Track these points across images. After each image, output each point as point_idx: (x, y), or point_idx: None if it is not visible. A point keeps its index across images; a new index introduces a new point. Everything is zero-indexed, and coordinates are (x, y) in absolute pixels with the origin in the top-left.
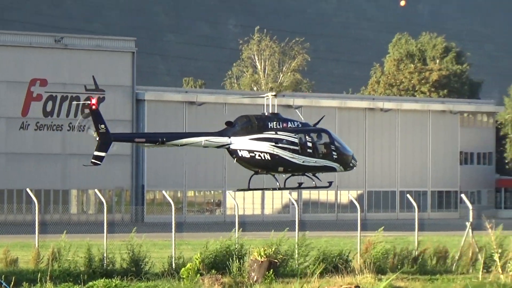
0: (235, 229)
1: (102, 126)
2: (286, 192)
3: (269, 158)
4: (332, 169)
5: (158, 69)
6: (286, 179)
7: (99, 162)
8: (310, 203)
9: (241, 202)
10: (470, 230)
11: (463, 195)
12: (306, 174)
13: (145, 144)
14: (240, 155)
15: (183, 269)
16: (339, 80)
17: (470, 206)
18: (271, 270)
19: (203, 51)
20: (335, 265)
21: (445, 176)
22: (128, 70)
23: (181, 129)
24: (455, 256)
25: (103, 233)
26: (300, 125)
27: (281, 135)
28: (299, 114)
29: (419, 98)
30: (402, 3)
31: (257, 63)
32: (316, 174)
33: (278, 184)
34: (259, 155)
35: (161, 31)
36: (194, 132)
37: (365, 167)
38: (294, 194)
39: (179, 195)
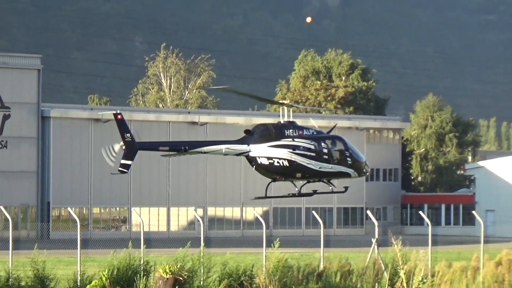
0: (141, 246)
1: (128, 135)
2: (191, 208)
3: (287, 165)
4: (347, 175)
5: (64, 86)
6: (302, 186)
7: (126, 170)
8: (215, 220)
9: (147, 219)
10: (376, 247)
11: (368, 212)
12: (322, 180)
13: (170, 153)
14: (259, 162)
15: (88, 286)
16: (245, 97)
17: (375, 222)
18: (177, 287)
19: (109, 68)
20: (240, 281)
21: (351, 192)
22: (34, 87)
23: (86, 147)
24: (360, 272)
25: (9, 250)
26: (314, 133)
27: (298, 142)
28: (313, 123)
29: (325, 115)
30: (308, 19)
31: (163, 80)
32: (331, 180)
33: (297, 189)
34: (278, 162)
35: (68, 48)
36: (215, 141)
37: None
38: (200, 211)
39: (84, 212)
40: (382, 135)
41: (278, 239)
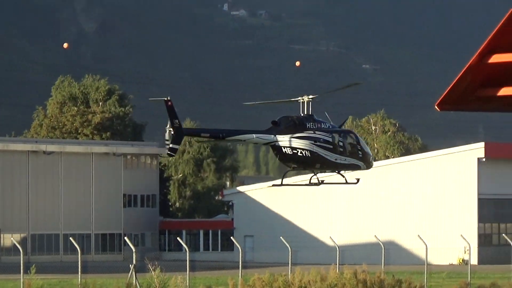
0: None
1: (176, 121)
2: None
3: (309, 155)
4: (358, 167)
5: None
6: (312, 176)
7: (173, 154)
8: None
9: None
10: (134, 272)
11: (126, 238)
12: (336, 171)
13: (210, 139)
14: (284, 152)
15: None
16: (2, 123)
17: (133, 248)
18: None
19: None
20: None
21: (109, 218)
22: None
23: None
24: None
25: None
26: (330, 126)
27: (319, 134)
28: (327, 116)
29: (82, 140)
30: (65, 45)
31: None
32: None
33: (318, 180)
34: (301, 152)
35: None
36: (246, 130)
37: (28, 210)
38: None
39: None
40: (139, 160)
41: (34, 265)
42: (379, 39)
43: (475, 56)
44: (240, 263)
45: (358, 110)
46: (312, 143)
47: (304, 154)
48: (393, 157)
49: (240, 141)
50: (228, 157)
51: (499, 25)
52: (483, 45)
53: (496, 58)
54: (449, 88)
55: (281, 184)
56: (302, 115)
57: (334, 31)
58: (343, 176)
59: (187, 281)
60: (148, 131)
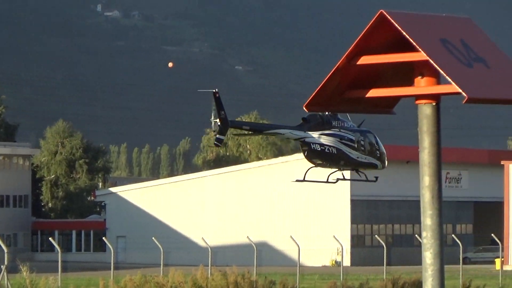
0: None
1: (223, 112)
2: None
3: (336, 152)
4: (375, 167)
5: None
6: (331, 173)
7: (220, 144)
8: None
9: None
10: (6, 273)
11: None
12: (355, 169)
13: (249, 132)
14: (313, 148)
15: None
16: None
17: (5, 249)
18: None
19: None
20: None
21: None
22: None
23: None
24: None
25: None
26: (353, 126)
27: (343, 132)
28: (348, 116)
29: None
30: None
31: None
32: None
33: (343, 176)
34: (328, 149)
35: None
36: (281, 125)
37: None
38: None
39: None
40: (12, 161)
41: None
42: (252, 40)
43: (343, 57)
44: (112, 264)
45: (231, 111)
46: (338, 141)
47: (331, 151)
48: (265, 158)
49: (278, 135)
50: (100, 158)
51: (367, 27)
52: (351, 47)
53: (364, 60)
54: (317, 89)
55: (304, 180)
56: (327, 113)
57: (207, 33)
58: (364, 174)
59: (59, 281)
60: (20, 131)
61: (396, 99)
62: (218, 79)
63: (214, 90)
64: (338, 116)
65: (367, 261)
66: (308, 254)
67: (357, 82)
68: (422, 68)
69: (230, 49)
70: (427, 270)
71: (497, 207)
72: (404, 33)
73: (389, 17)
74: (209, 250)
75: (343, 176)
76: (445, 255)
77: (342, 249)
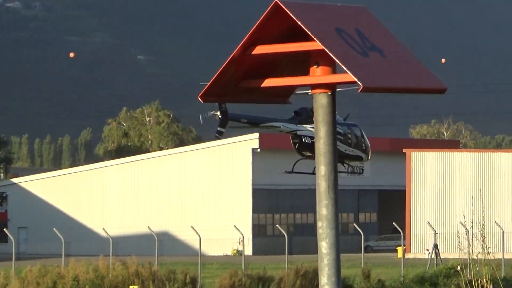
0: None
1: (223, 105)
2: None
3: None
4: (361, 159)
5: None
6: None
7: (220, 136)
8: None
9: None
10: None
11: None
12: (344, 162)
13: (246, 125)
14: (304, 141)
15: None
16: None
17: None
18: None
19: None
20: None
21: None
22: None
23: None
24: None
25: None
26: (340, 119)
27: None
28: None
29: None
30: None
31: None
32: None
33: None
34: None
35: None
36: (275, 118)
37: None
38: None
39: None
40: None
41: None
42: (153, 30)
43: (238, 47)
44: (13, 255)
45: (132, 101)
46: None
47: None
48: (167, 148)
49: (273, 128)
50: (1, 149)
51: (262, 17)
52: (246, 37)
53: (259, 50)
54: (212, 79)
55: (292, 171)
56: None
57: (108, 23)
58: (350, 165)
59: None
60: None
61: (291, 88)
62: (120, 69)
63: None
64: None
65: (268, 251)
66: (210, 243)
67: (253, 72)
68: (317, 58)
69: (131, 39)
70: (323, 259)
71: (401, 195)
72: (299, 22)
73: (283, 6)
74: (110, 240)
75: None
76: (348, 244)
77: (243, 238)
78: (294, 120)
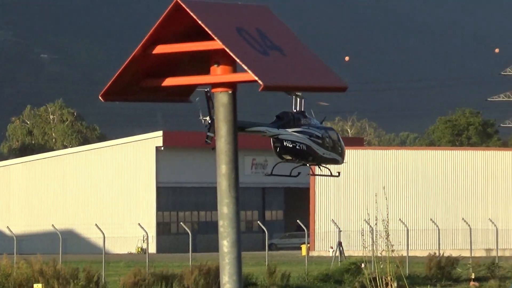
0: None
1: (213, 110)
2: None
3: (305, 149)
4: (337, 162)
5: None
6: (294, 167)
7: (210, 141)
8: None
9: None
10: None
11: None
12: (321, 164)
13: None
14: (285, 145)
15: None
16: None
17: None
18: None
19: None
20: None
21: None
22: None
23: None
24: None
25: None
26: (318, 123)
27: (312, 129)
28: (312, 113)
29: None
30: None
31: None
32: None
33: (312, 171)
34: (299, 146)
35: None
36: (260, 122)
37: None
38: None
39: None
40: None
41: None
42: (57, 28)
43: (139, 46)
44: None
45: (36, 100)
46: (308, 138)
47: (301, 148)
48: (71, 146)
49: (258, 132)
50: None
51: (162, 16)
52: (147, 36)
53: (160, 49)
54: (113, 78)
55: (271, 174)
56: (296, 111)
57: (11, 21)
58: (328, 168)
59: None
60: None
61: (192, 87)
62: (24, 68)
63: (206, 90)
64: (306, 114)
65: (173, 248)
66: (114, 241)
67: (155, 71)
68: (218, 57)
69: (34, 37)
70: (224, 258)
71: (307, 193)
72: (200, 21)
73: (184, 5)
74: (15, 238)
75: (313, 172)
76: (253, 242)
77: (147, 236)
78: (276, 124)
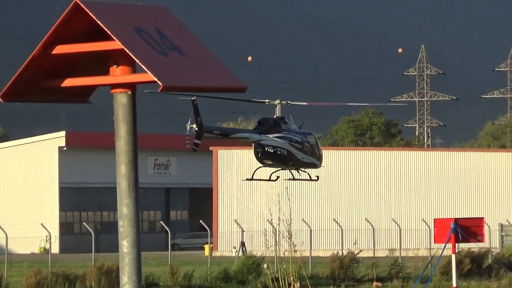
0: None
1: (199, 118)
2: None
3: (286, 154)
4: (315, 166)
5: None
6: (274, 172)
7: (196, 148)
8: None
9: None
10: None
11: None
12: (299, 169)
13: (219, 136)
14: (266, 150)
15: None
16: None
17: None
18: None
19: None
20: None
21: None
22: None
23: None
24: None
25: None
26: (296, 128)
27: (292, 135)
28: (291, 119)
29: None
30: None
31: None
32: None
33: (292, 175)
34: (280, 151)
35: None
36: (243, 129)
37: None
38: None
39: None
40: None
41: None
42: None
43: (38, 46)
44: None
45: None
46: (288, 143)
47: (282, 153)
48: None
49: (241, 138)
50: None
51: (62, 16)
52: (46, 36)
53: (59, 49)
54: (13, 79)
55: (252, 179)
56: (276, 116)
57: None
58: (307, 172)
59: None
60: None
61: (92, 88)
62: None
63: (192, 98)
64: (285, 119)
65: (76, 249)
66: (17, 241)
67: (55, 71)
68: (118, 57)
69: None
70: (124, 258)
71: (211, 193)
72: (99, 22)
73: (83, 6)
74: None
75: (293, 176)
76: (155, 242)
77: (50, 236)
78: (257, 130)
